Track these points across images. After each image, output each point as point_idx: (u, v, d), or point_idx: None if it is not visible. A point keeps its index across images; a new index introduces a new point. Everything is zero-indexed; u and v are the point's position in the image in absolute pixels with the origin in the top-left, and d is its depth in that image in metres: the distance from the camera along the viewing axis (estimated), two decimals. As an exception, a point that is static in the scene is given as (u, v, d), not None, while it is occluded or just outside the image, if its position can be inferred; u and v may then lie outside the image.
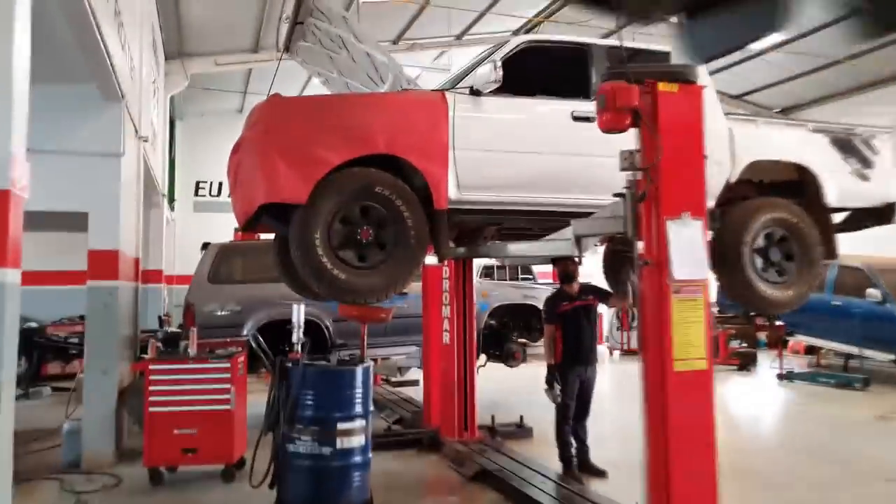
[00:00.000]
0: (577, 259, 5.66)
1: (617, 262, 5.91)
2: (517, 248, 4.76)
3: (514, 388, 8.72)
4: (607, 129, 3.30)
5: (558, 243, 4.01)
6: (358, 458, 4.37)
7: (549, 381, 5.52)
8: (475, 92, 4.26)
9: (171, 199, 15.24)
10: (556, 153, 4.33)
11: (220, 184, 15.95)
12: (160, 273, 11.77)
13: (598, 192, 4.04)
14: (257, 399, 5.91)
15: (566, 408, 5.58)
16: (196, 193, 16.40)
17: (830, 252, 4.87)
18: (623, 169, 3.35)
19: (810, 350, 12.45)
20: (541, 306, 8.46)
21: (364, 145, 3.98)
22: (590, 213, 3.89)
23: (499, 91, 4.24)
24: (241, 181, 4.17)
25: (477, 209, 4.31)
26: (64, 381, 9.41)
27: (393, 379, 9.76)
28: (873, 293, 9.91)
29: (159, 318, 10.16)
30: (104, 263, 6.08)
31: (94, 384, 6.01)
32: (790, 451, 6.61)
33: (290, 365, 4.37)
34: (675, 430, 3.27)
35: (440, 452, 6.34)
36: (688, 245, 3.28)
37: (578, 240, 3.79)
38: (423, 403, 7.31)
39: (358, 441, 4.37)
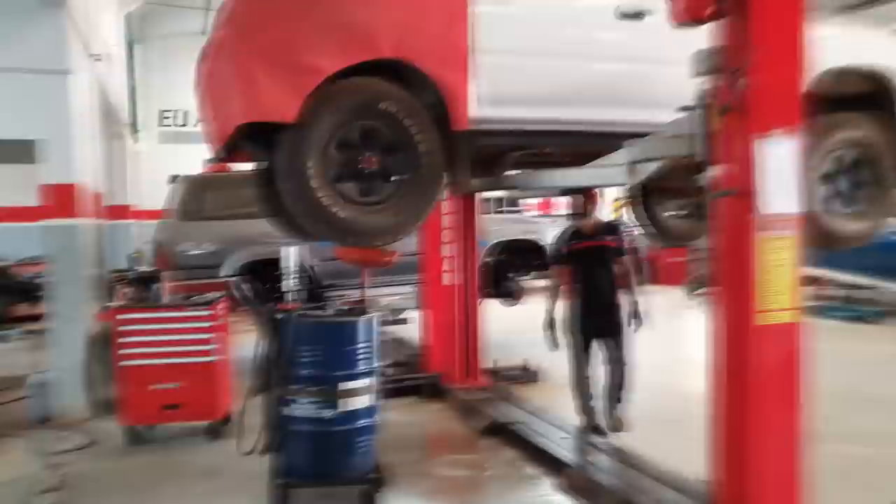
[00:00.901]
0: (594, 191, 5.02)
1: (649, 194, 5.27)
2: (556, 177, 4.03)
3: (512, 329, 8.17)
4: (685, 20, 2.61)
5: (608, 171, 3.35)
6: (363, 422, 3.80)
7: (546, 326, 4.90)
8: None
9: (136, 130, 14.16)
10: (603, 58, 3.60)
11: (186, 113, 14.87)
12: (126, 209, 10.91)
13: (653, 108, 3.34)
14: (240, 342, 5.33)
15: (577, 361, 4.98)
16: (161, 123, 15.28)
17: None
18: (700, 74, 2.67)
19: (808, 281, 12.12)
20: (541, 242, 7.95)
21: (365, 48, 3.22)
22: (642, 134, 3.23)
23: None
24: (212, 97, 3.41)
25: (504, 130, 3.61)
26: (35, 321, 8.73)
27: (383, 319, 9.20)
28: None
29: (129, 256, 9.42)
30: (60, 199, 5.31)
31: (61, 333, 5.39)
32: (823, 395, 6.15)
33: (281, 317, 3.73)
34: (755, 393, 2.77)
35: (444, 401, 5.85)
36: (780, 170, 2.67)
37: (633, 166, 3.14)
38: (420, 348, 6.77)
39: (362, 402, 3.79)
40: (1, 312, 9.65)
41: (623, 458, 4.18)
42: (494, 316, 8.17)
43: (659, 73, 3.44)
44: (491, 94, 3.45)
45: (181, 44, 13.81)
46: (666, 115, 3.04)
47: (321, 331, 3.74)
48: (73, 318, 5.39)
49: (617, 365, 4.90)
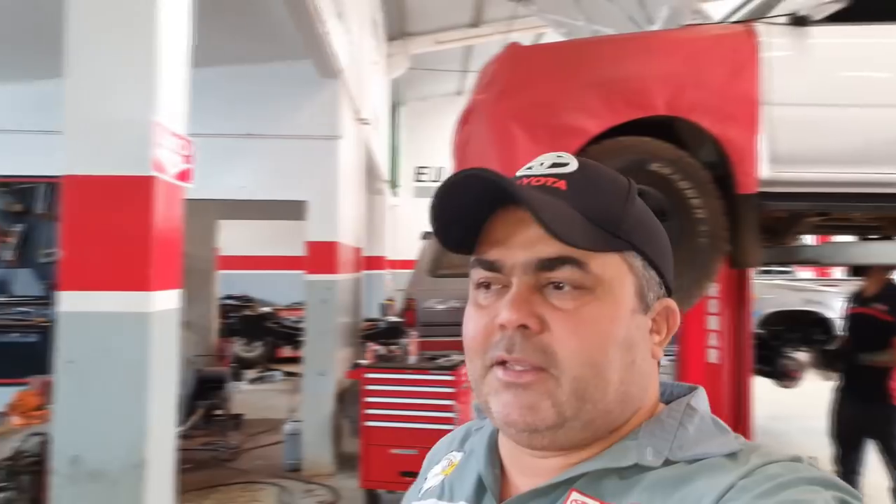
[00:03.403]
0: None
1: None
2: (874, 251, 3.26)
3: (787, 414, 7.04)
4: None
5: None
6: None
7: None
8: (799, 21, 2.91)
9: (395, 185, 15.25)
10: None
11: (440, 169, 15.73)
12: (381, 259, 11.62)
13: None
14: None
15: (841, 457, 4.14)
16: (416, 179, 16.32)
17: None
18: None
19: None
20: (826, 314, 6.88)
21: (636, 105, 2.84)
22: None
23: (835, 18, 2.87)
24: (470, 161, 3.25)
25: (800, 192, 2.98)
26: (297, 364, 9.57)
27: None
28: None
29: (381, 304, 9.89)
30: (322, 256, 5.65)
31: (312, 386, 5.64)
32: None
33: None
34: None
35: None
36: None
37: None
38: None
39: None
40: (267, 354, 10.51)
41: None
42: (765, 398, 7.11)
43: None
44: (785, 152, 2.86)
45: (437, 103, 14.77)
46: None
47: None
48: (323, 372, 5.61)
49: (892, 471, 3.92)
